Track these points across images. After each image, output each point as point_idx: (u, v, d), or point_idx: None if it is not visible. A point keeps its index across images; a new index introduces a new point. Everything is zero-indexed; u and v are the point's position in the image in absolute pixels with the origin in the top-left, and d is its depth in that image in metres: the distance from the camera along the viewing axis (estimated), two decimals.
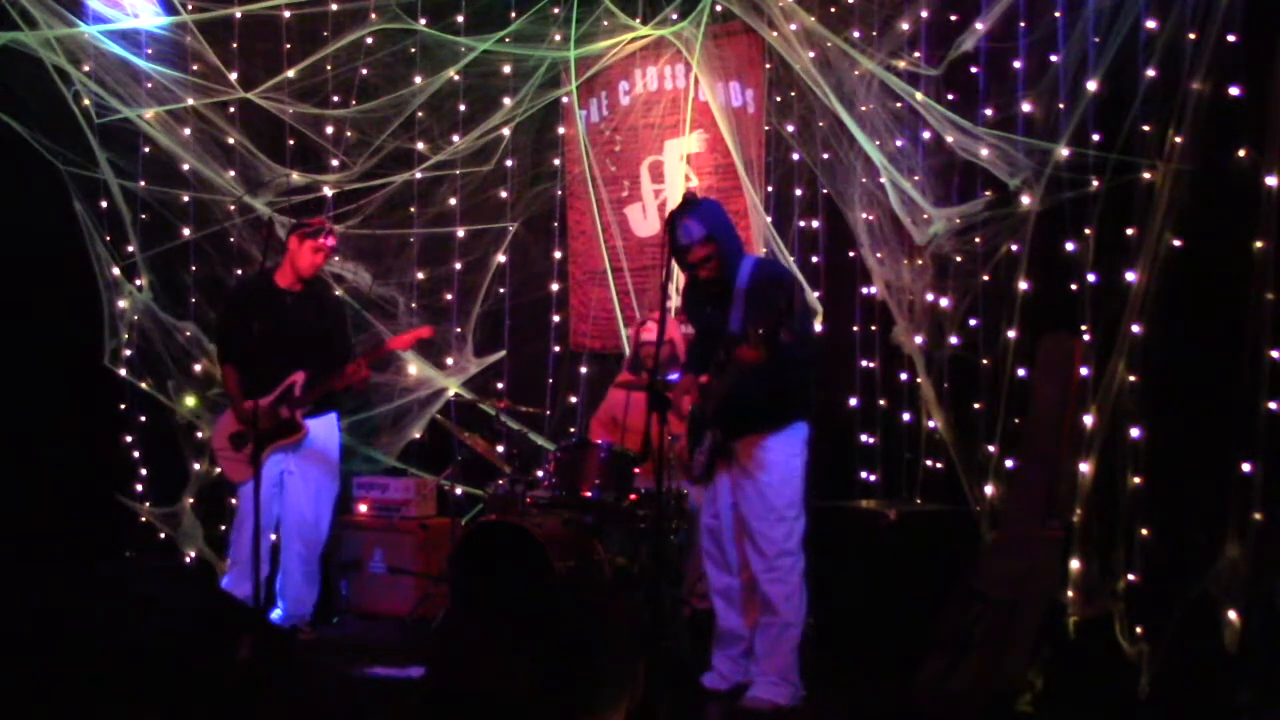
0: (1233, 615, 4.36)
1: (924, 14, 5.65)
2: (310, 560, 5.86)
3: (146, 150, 6.89)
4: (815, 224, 6.15)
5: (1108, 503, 4.78)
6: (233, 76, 6.77)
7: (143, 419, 7.07)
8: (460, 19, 6.87)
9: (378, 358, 6.05)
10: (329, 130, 6.91)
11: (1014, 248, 5.23)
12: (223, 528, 6.56)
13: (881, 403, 5.91)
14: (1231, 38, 4.57)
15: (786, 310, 4.19)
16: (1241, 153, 4.59)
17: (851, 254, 5.88)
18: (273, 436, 5.64)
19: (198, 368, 6.84)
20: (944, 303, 5.51)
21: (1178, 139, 4.65)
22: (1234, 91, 4.62)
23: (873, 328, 5.92)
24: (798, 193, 6.21)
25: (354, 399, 6.61)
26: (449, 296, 7.02)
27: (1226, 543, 4.39)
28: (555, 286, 7.04)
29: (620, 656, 4.01)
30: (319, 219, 5.99)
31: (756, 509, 4.59)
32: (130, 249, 6.88)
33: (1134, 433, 4.75)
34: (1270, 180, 4.44)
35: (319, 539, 5.89)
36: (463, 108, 6.97)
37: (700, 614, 5.35)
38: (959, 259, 5.46)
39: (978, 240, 5.39)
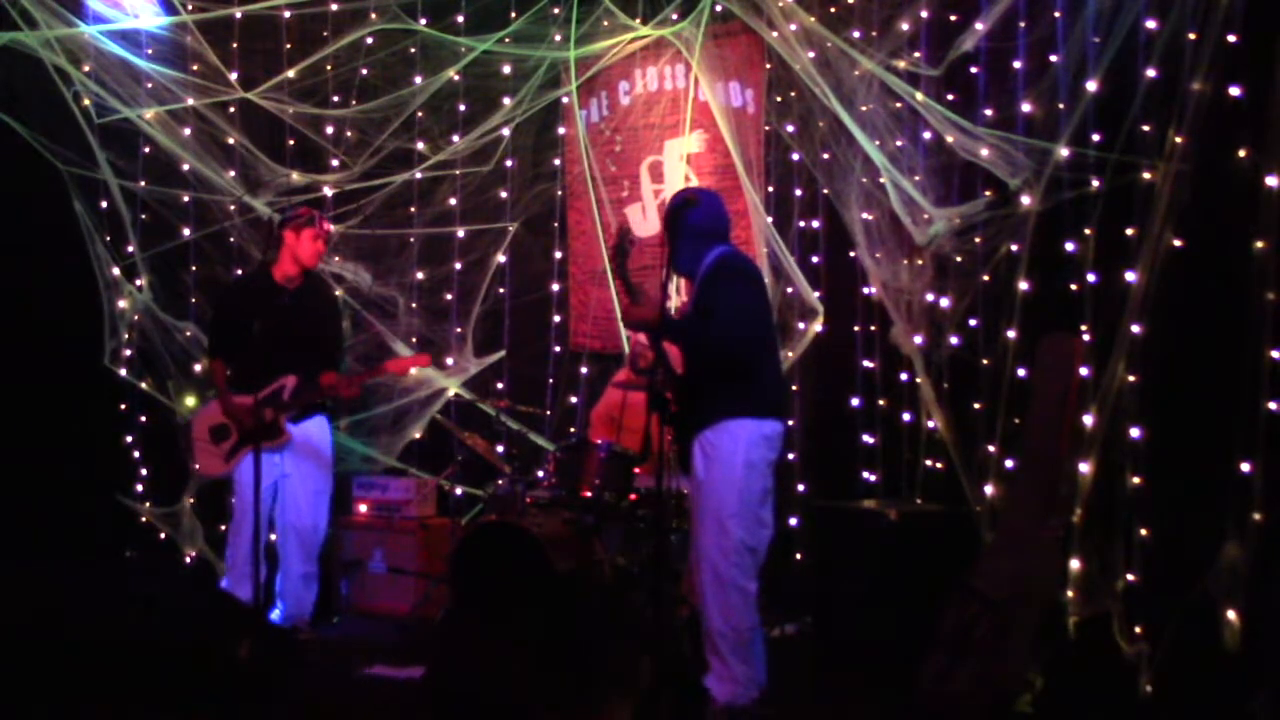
0: (1232, 615, 4.35)
1: (924, 14, 5.65)
2: (309, 562, 5.84)
3: (146, 150, 6.91)
4: (815, 224, 6.16)
5: (1108, 503, 4.78)
6: (233, 76, 6.77)
7: (143, 419, 7.07)
8: (460, 19, 6.88)
9: (371, 378, 5.98)
10: (329, 130, 6.91)
11: (1014, 248, 5.23)
12: (222, 528, 6.55)
13: (881, 403, 5.91)
14: (1231, 38, 4.57)
15: (704, 290, 4.28)
16: (1241, 153, 4.58)
17: (852, 254, 5.88)
18: (255, 437, 5.60)
19: (198, 368, 6.84)
20: (944, 303, 5.51)
21: (1178, 139, 4.64)
22: (1234, 91, 4.62)
23: (873, 328, 5.92)
24: (798, 193, 6.21)
25: (349, 404, 6.60)
26: (449, 296, 7.02)
27: (1226, 543, 4.38)
28: (555, 286, 7.04)
29: (623, 654, 4.00)
30: (304, 209, 5.87)
31: (695, 509, 4.55)
32: (130, 249, 6.89)
33: (1134, 433, 4.75)
34: (1270, 180, 4.44)
35: (317, 540, 5.87)
36: (463, 108, 6.97)
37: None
38: (959, 259, 5.46)
39: (978, 240, 5.39)
